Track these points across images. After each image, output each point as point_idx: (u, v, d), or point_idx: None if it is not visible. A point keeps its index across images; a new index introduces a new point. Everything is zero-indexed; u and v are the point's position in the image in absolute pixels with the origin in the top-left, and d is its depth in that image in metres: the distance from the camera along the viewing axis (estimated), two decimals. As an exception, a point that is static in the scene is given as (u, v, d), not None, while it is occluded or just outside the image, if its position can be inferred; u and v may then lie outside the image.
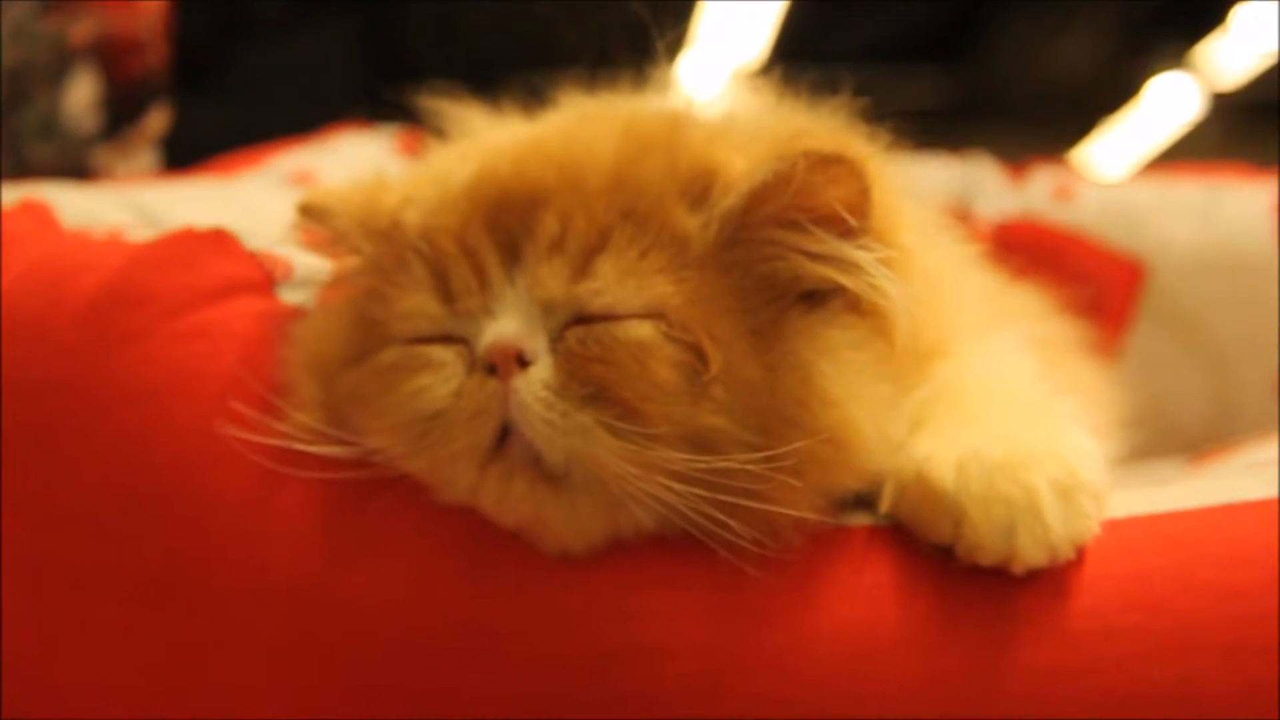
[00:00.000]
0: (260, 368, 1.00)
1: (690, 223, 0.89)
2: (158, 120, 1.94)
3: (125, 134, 1.88)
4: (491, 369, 0.87)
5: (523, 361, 0.87)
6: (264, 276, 1.09)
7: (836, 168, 0.87)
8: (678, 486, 0.85)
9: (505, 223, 0.91)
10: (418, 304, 0.92)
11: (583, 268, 0.88)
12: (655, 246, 0.89)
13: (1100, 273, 1.85)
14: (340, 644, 0.92)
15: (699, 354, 0.86)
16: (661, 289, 0.88)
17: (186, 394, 0.99)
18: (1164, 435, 1.18)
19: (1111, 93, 6.63)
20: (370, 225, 0.98)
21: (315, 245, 1.05)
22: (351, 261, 1.02)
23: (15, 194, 1.29)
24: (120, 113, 1.87)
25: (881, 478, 0.91)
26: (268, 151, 1.94)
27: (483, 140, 1.03)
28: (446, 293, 0.92)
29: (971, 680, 0.86)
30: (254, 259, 1.09)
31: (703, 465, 0.85)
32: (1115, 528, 0.91)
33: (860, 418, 0.88)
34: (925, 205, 1.07)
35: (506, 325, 0.88)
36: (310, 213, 1.01)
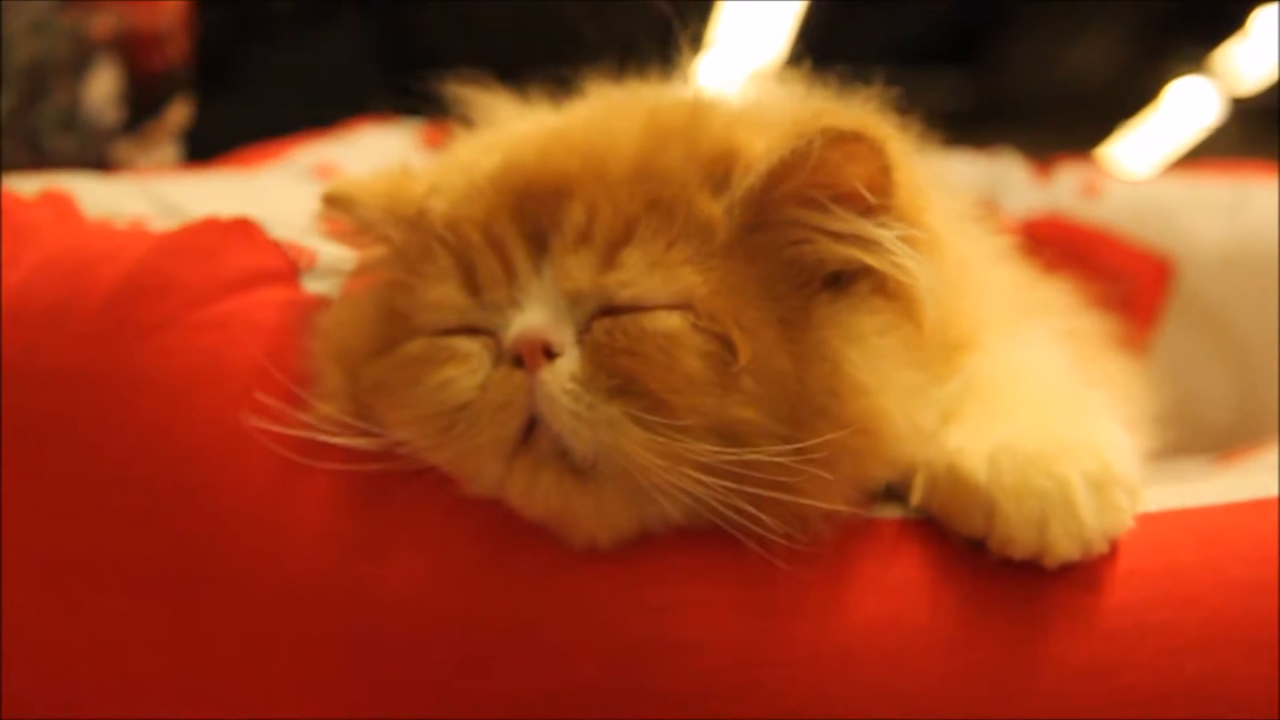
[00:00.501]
0: (283, 358, 0.99)
1: (714, 209, 0.88)
2: (179, 114, 1.95)
3: (146, 127, 1.89)
4: (518, 361, 0.87)
5: (550, 353, 0.86)
6: (288, 266, 1.08)
7: (855, 144, 0.86)
8: (706, 479, 0.84)
9: (531, 213, 0.91)
10: (444, 295, 0.92)
11: (610, 259, 0.88)
12: (682, 236, 0.88)
13: (1128, 270, 1.84)
14: (362, 638, 0.91)
15: (728, 345, 0.85)
16: (689, 279, 0.87)
17: (208, 385, 0.98)
18: (1191, 433, 1.17)
19: (1130, 96, 6.62)
20: (396, 214, 0.97)
21: (340, 235, 1.04)
22: (377, 251, 1.01)
23: (36, 184, 1.29)
24: (141, 106, 1.88)
25: (913, 469, 0.90)
26: (289, 144, 1.94)
27: (508, 129, 1.03)
28: (473, 284, 0.91)
29: (1003, 676, 0.85)
30: (278, 248, 1.08)
31: (732, 457, 0.84)
32: (1147, 522, 0.90)
33: (891, 406, 0.87)
34: (955, 195, 1.06)
35: (533, 317, 0.88)
36: (335, 202, 1.00)
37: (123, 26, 1.82)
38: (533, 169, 0.92)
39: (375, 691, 0.91)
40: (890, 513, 0.92)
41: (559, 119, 1.02)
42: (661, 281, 0.87)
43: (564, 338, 0.87)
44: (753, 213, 0.88)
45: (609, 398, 0.85)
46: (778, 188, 0.88)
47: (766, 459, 0.84)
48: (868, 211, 0.88)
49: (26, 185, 1.27)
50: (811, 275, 0.89)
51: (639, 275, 0.87)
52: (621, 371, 0.85)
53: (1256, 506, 0.93)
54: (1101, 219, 1.94)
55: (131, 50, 1.84)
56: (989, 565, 0.88)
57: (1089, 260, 1.78)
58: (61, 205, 1.22)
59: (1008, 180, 2.03)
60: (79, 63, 1.78)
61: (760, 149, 0.89)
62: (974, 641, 0.86)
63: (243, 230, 1.08)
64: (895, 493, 0.92)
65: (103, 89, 1.81)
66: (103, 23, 1.80)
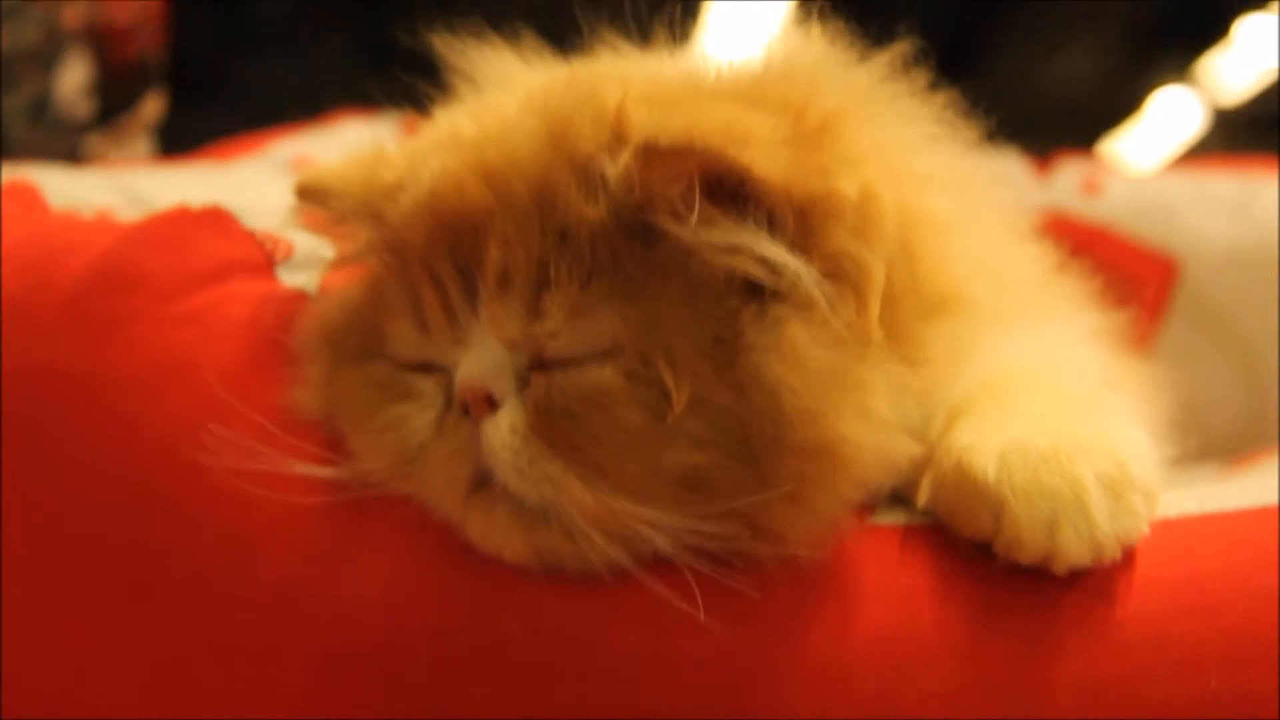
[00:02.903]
0: (255, 354, 0.97)
1: (604, 219, 0.83)
2: (152, 108, 1.93)
3: (118, 121, 1.87)
4: (466, 408, 0.85)
5: (492, 403, 0.84)
6: (263, 257, 1.05)
7: (675, 161, 0.79)
8: (661, 532, 0.81)
9: (460, 251, 0.86)
10: (399, 330, 0.90)
11: (533, 307, 0.83)
12: (595, 271, 0.83)
13: (1131, 268, 1.82)
14: (332, 647, 0.88)
15: (664, 389, 0.81)
16: (611, 322, 0.82)
17: (177, 383, 0.95)
18: (1197, 439, 1.14)
19: (1114, 107, 6.64)
20: (371, 206, 0.94)
21: (317, 228, 1.01)
22: (357, 240, 0.98)
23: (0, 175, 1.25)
24: (114, 99, 1.86)
25: (912, 468, 0.87)
26: (266, 138, 1.93)
27: (459, 120, 0.95)
28: (421, 321, 0.88)
29: (1013, 690, 0.82)
30: (252, 238, 1.06)
31: (680, 516, 0.81)
32: (1165, 528, 0.87)
33: (846, 429, 0.81)
34: (959, 159, 0.99)
35: (473, 365, 0.85)
36: (309, 194, 0.97)
37: (94, 17, 1.80)
38: (452, 205, 0.87)
39: (345, 702, 0.88)
40: (894, 518, 0.89)
41: (476, 126, 0.93)
42: (586, 329, 0.83)
43: (504, 386, 0.84)
44: (633, 225, 0.83)
45: (552, 453, 0.82)
46: (633, 198, 0.82)
47: (717, 517, 0.81)
48: (739, 219, 0.82)
49: (-11, 176, 1.24)
50: (728, 287, 0.83)
51: (562, 324, 0.83)
52: (563, 434, 0.82)
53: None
54: (1103, 216, 1.92)
55: (103, 42, 1.81)
56: (998, 573, 0.84)
57: (1091, 259, 1.76)
58: (26, 196, 1.19)
59: (1006, 177, 1.98)
60: (49, 53, 1.75)
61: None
62: (983, 654, 0.83)
63: (215, 220, 1.05)
64: (900, 497, 0.89)
65: (74, 81, 1.79)
66: (74, 12, 1.78)
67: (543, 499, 0.82)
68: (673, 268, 0.82)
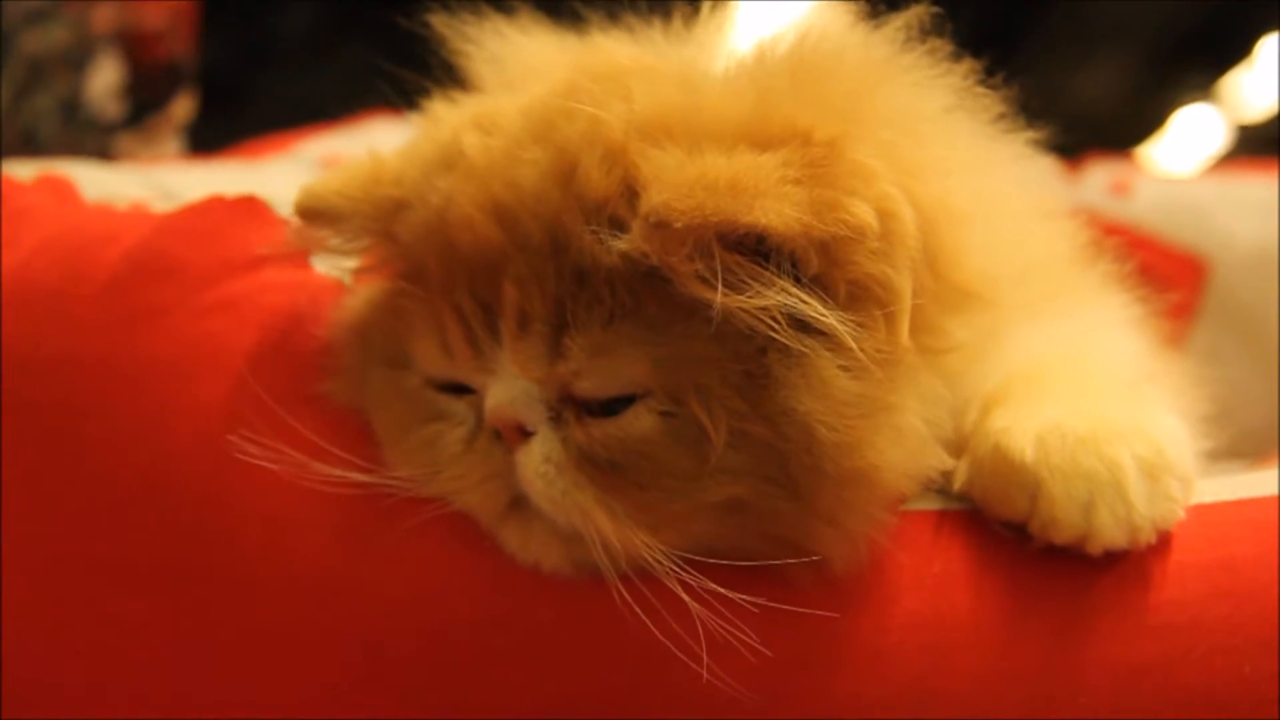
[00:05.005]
0: (288, 342, 0.96)
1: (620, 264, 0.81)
2: (182, 108, 1.93)
3: (149, 121, 1.87)
4: (498, 433, 0.84)
5: (525, 431, 0.83)
6: (298, 245, 1.04)
7: (688, 237, 0.77)
8: (697, 559, 0.81)
9: (477, 286, 0.84)
10: (425, 350, 0.88)
11: (555, 348, 0.82)
12: (617, 312, 0.81)
13: (1161, 269, 1.81)
14: (371, 636, 0.88)
15: (700, 425, 0.80)
16: (637, 362, 0.81)
17: (211, 370, 0.95)
18: (1226, 438, 1.14)
19: (1137, 125, 6.63)
20: (380, 223, 0.92)
21: (318, 248, 0.99)
22: (372, 256, 0.97)
23: (34, 169, 1.26)
24: (144, 100, 1.87)
25: (942, 467, 0.86)
26: (296, 136, 1.93)
27: (466, 137, 0.90)
28: (446, 347, 0.87)
29: (1048, 675, 0.82)
30: (287, 226, 1.03)
31: (725, 534, 0.82)
32: (1200, 513, 0.87)
33: (882, 457, 0.80)
34: (978, 135, 0.97)
35: (503, 393, 0.84)
36: (312, 215, 0.94)
37: (124, 20, 1.81)
38: (466, 242, 0.84)
39: (384, 691, 0.88)
40: (929, 504, 0.89)
41: (480, 145, 0.88)
42: (611, 371, 0.81)
43: (536, 416, 0.83)
44: (651, 271, 0.80)
45: (586, 482, 0.82)
46: (649, 261, 0.80)
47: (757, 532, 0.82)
48: (763, 275, 0.79)
49: (23, 170, 1.24)
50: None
51: (586, 364, 0.81)
52: (607, 479, 0.82)
53: (1318, 496, 0.89)
54: (1133, 218, 1.91)
55: (133, 44, 1.82)
56: (1033, 559, 0.84)
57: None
58: (60, 189, 1.19)
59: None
60: (80, 55, 1.76)
61: (648, 175, 0.80)
62: (1018, 639, 0.83)
63: (250, 209, 1.05)
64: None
65: (104, 82, 1.80)
66: (103, 15, 1.79)
67: (573, 526, 0.82)
68: (696, 308, 0.80)
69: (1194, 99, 6.50)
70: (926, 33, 0.91)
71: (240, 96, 3.46)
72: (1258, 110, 6.37)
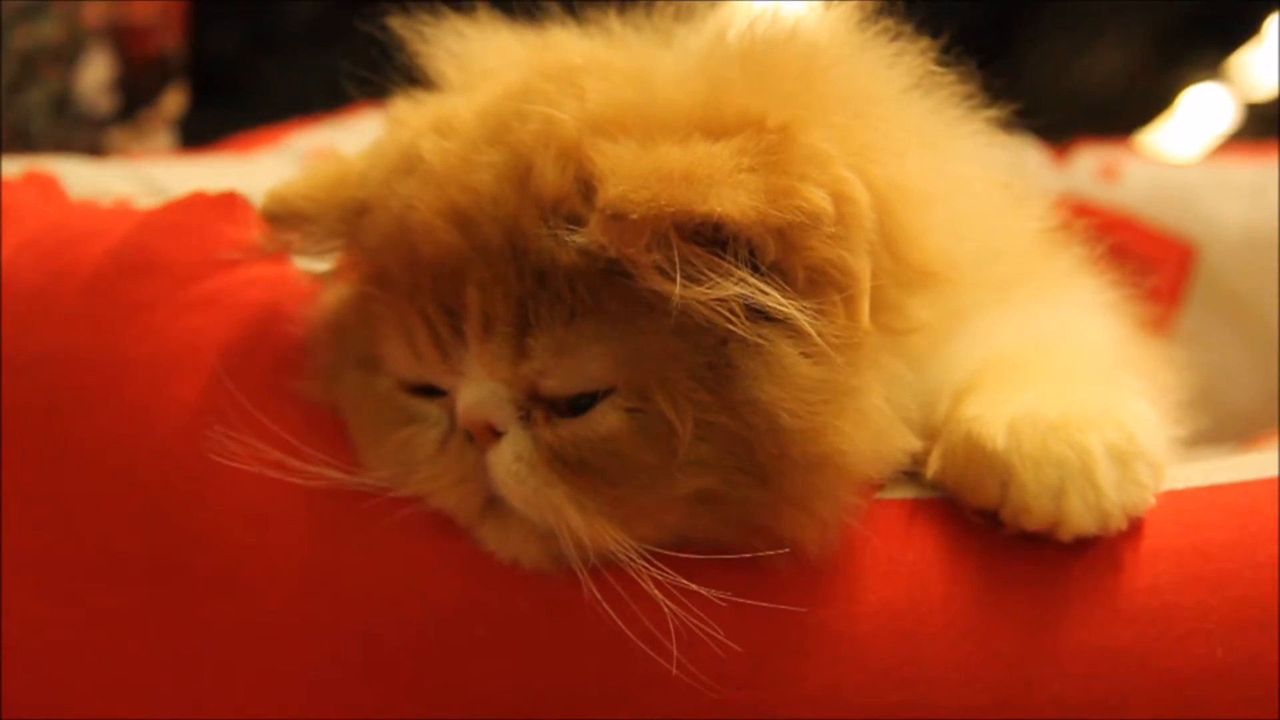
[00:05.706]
0: (267, 339, 0.97)
1: (580, 261, 0.81)
2: (173, 102, 1.93)
3: (140, 115, 1.87)
4: (470, 434, 0.85)
5: (496, 431, 0.84)
6: (279, 241, 1.04)
7: (644, 228, 0.76)
8: (669, 553, 0.82)
9: (441, 291, 0.85)
10: (394, 352, 0.89)
11: (519, 348, 0.82)
12: (578, 310, 0.81)
13: (1149, 253, 1.82)
14: (352, 629, 0.89)
15: (667, 419, 0.81)
16: (601, 359, 0.81)
17: (191, 366, 0.96)
18: (1214, 420, 1.15)
19: (1145, 104, 6.59)
20: (345, 225, 0.92)
21: (285, 250, 0.99)
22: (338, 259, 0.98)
23: (20, 166, 1.27)
24: (135, 94, 1.87)
25: (909, 448, 0.87)
26: (285, 130, 1.93)
27: (423, 141, 0.90)
28: (415, 350, 0.87)
29: (1022, 661, 0.82)
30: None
31: (698, 523, 0.83)
32: (1172, 499, 0.87)
33: (847, 441, 0.81)
34: (938, 114, 0.96)
35: (472, 395, 0.85)
36: (278, 219, 0.95)
37: (115, 15, 1.81)
38: (427, 248, 0.85)
39: (367, 681, 0.88)
40: (903, 493, 0.89)
41: (438, 149, 0.88)
42: (575, 368, 0.82)
43: (505, 416, 0.84)
44: (609, 267, 0.80)
45: (558, 480, 0.82)
46: (607, 255, 0.80)
47: (729, 519, 0.83)
48: (721, 264, 0.79)
49: (10, 167, 1.25)
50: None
51: (550, 364, 0.82)
52: (578, 477, 0.82)
53: (1291, 481, 0.89)
54: (1121, 202, 1.91)
55: (124, 38, 1.82)
56: (1006, 547, 0.85)
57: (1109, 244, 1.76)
58: (46, 186, 1.20)
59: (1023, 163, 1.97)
60: (71, 50, 1.76)
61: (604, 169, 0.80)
62: (992, 625, 0.83)
63: (231, 205, 1.05)
64: (907, 472, 0.89)
65: (95, 77, 1.80)
66: (94, 11, 1.79)
67: (546, 523, 0.83)
68: (656, 303, 0.80)
69: (1203, 78, 6.47)
70: (881, 13, 0.91)
71: (237, 89, 3.46)
72: (1267, 88, 6.34)
